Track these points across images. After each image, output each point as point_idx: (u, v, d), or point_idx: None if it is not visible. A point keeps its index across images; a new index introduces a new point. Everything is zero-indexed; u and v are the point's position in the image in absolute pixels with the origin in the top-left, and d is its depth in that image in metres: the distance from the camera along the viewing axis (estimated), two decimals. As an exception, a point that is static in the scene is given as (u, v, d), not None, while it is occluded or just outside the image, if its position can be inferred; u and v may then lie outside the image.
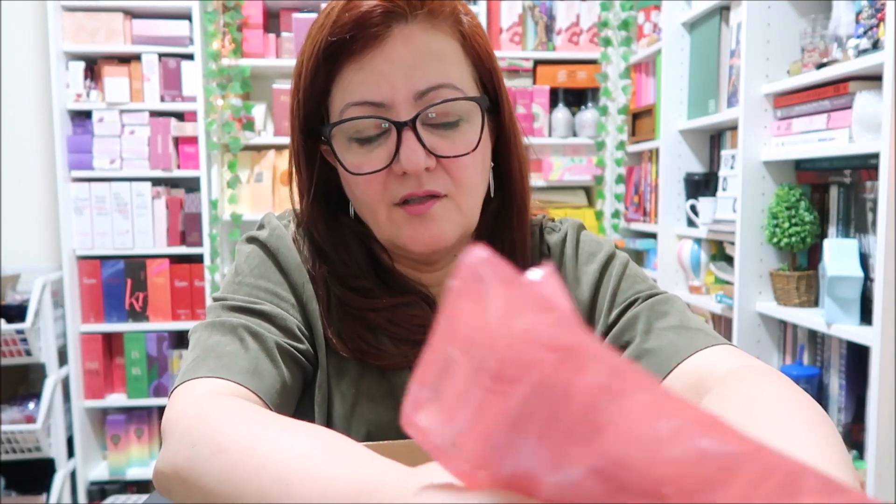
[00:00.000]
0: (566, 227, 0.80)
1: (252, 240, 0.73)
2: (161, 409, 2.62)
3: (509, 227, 0.75)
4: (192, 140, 2.52)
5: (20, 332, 2.27)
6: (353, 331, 0.70)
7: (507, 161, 0.74)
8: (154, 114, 2.51)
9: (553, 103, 2.73)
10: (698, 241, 2.24)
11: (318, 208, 0.73)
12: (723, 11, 2.09)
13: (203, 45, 2.48)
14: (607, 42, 2.65)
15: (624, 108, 2.68)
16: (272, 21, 2.66)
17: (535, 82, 2.71)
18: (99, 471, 2.57)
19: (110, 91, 2.48)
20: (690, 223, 2.28)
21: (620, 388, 0.24)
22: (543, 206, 0.83)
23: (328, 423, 0.71)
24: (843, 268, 1.56)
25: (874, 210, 1.53)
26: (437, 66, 0.64)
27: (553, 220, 0.82)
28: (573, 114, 2.74)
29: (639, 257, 2.67)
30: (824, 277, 1.60)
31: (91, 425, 2.57)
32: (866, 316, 1.55)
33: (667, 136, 2.34)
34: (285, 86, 2.56)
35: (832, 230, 1.72)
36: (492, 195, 0.73)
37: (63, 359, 2.48)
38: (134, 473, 2.56)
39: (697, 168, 2.34)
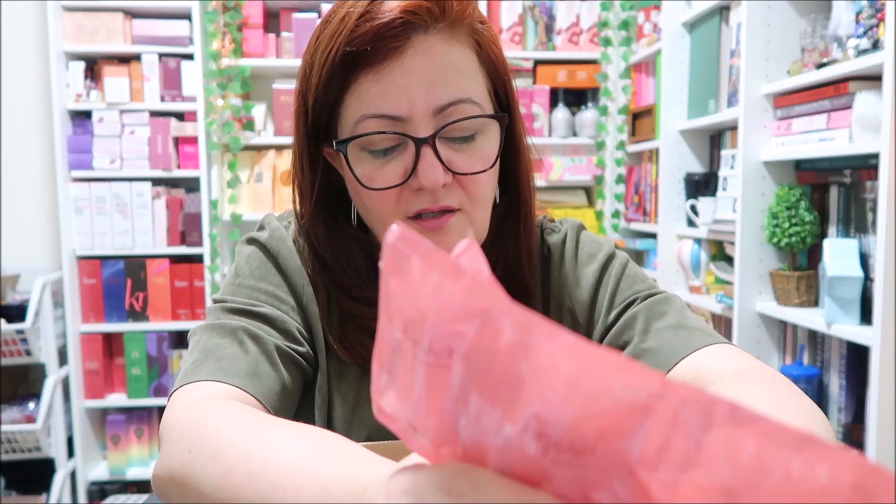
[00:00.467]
0: (566, 228, 0.79)
1: (252, 241, 0.73)
2: (161, 409, 2.62)
3: (515, 232, 0.74)
4: (192, 140, 2.52)
5: (20, 332, 2.27)
6: (354, 336, 0.70)
7: (515, 166, 0.73)
8: (154, 114, 2.51)
9: (553, 103, 2.73)
10: (698, 241, 2.24)
11: (318, 213, 0.72)
12: (723, 11, 2.09)
13: (203, 45, 2.48)
14: (607, 42, 2.65)
15: (624, 108, 2.68)
16: (272, 21, 2.66)
17: (535, 82, 2.71)
18: (99, 471, 2.57)
19: (110, 91, 2.48)
20: (690, 223, 2.28)
21: (530, 342, 0.24)
22: (544, 207, 0.83)
23: (328, 426, 0.71)
24: (843, 268, 1.56)
25: (874, 210, 1.53)
26: (455, 80, 0.63)
27: (553, 221, 0.82)
28: (573, 114, 2.74)
29: (639, 257, 2.67)
30: (824, 277, 1.60)
31: (91, 425, 2.57)
32: (866, 316, 1.55)
33: (667, 136, 2.34)
34: (285, 86, 2.55)
35: (832, 230, 1.72)
36: (497, 201, 0.73)
37: (63, 359, 2.48)
38: (134, 473, 2.56)
39: (697, 168, 2.34)
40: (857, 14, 1.58)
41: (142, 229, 2.51)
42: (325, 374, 0.71)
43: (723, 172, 2.03)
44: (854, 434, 1.64)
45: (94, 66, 2.54)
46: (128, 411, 2.58)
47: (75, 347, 2.48)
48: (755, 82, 1.82)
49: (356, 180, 0.65)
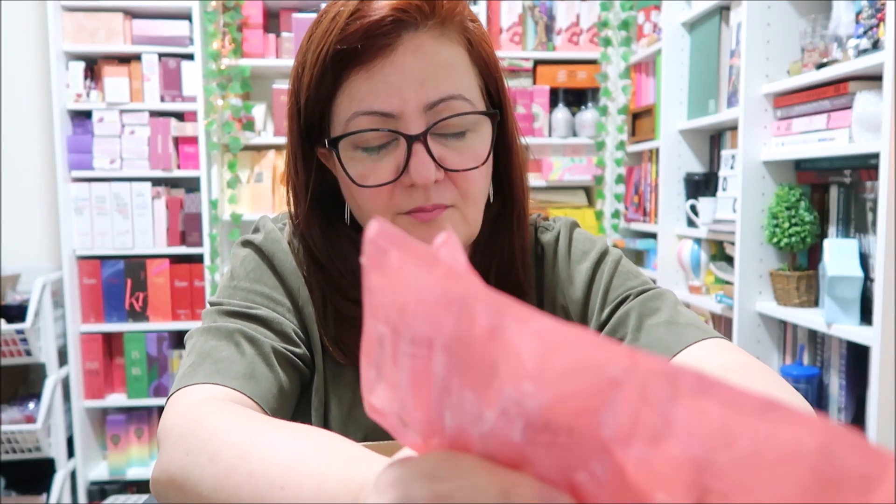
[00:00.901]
0: (559, 226, 0.79)
1: (247, 244, 0.73)
2: (161, 410, 2.62)
3: (509, 231, 0.74)
4: (192, 140, 2.52)
5: (20, 332, 2.27)
6: (350, 338, 0.70)
7: (508, 166, 0.73)
8: (154, 114, 2.51)
9: (553, 103, 2.73)
10: (698, 241, 2.24)
11: (313, 213, 0.72)
12: (723, 11, 2.09)
13: (203, 45, 2.48)
14: (607, 42, 2.65)
15: (624, 108, 2.68)
16: (272, 21, 2.66)
17: (535, 82, 2.71)
18: (99, 471, 2.57)
19: (110, 91, 2.48)
20: (690, 223, 2.28)
21: (502, 326, 0.24)
22: (544, 207, 0.83)
23: (325, 427, 0.71)
24: (843, 268, 1.56)
25: (874, 210, 1.53)
26: (446, 77, 0.63)
27: (546, 220, 0.82)
28: (573, 114, 2.74)
29: (639, 257, 2.67)
30: (824, 277, 1.60)
31: (91, 425, 2.57)
32: (866, 316, 1.55)
33: (667, 136, 2.34)
34: (285, 86, 2.55)
35: (832, 230, 1.72)
36: (491, 200, 0.73)
37: (63, 359, 2.48)
38: (134, 473, 2.56)
39: (697, 168, 2.34)
40: (857, 14, 1.57)
41: (142, 229, 2.51)
42: (322, 375, 0.71)
43: (723, 172, 2.03)
44: (854, 434, 1.64)
45: (94, 66, 2.54)
46: (128, 411, 2.58)
47: (75, 347, 2.48)
48: (755, 82, 1.82)
49: (349, 178, 0.65)
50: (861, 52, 1.51)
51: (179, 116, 2.56)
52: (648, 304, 0.70)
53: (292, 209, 0.74)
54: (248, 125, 2.55)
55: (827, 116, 1.62)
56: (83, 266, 2.50)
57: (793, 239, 1.74)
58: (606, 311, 0.72)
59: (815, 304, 1.78)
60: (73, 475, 2.51)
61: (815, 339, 1.79)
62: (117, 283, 2.51)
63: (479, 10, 2.61)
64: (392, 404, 0.29)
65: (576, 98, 2.79)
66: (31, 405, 2.38)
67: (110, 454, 2.57)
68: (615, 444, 0.24)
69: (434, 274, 0.25)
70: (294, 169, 0.72)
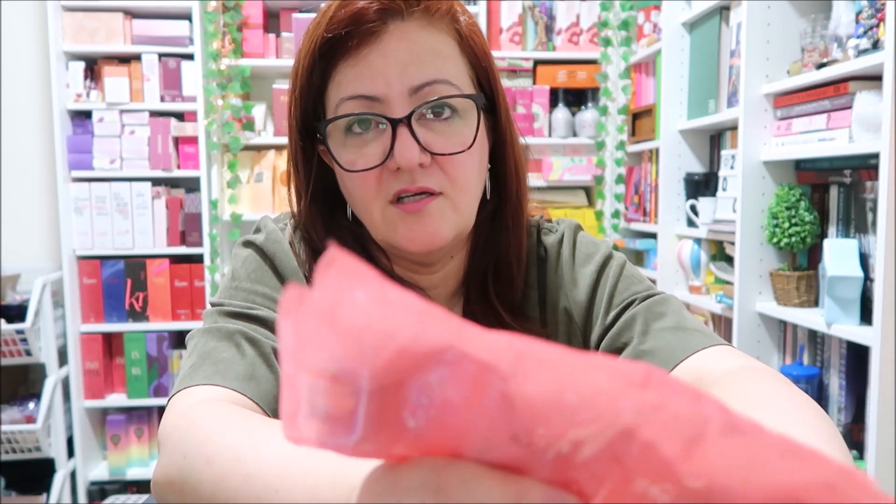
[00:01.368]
0: (563, 229, 0.79)
1: (248, 244, 0.73)
2: (161, 409, 2.62)
3: (504, 229, 0.74)
4: (192, 140, 2.52)
5: (20, 332, 2.27)
6: None
7: (504, 162, 0.73)
8: (154, 114, 2.51)
9: (553, 103, 2.73)
10: (698, 241, 2.24)
11: (315, 209, 0.72)
12: (723, 11, 2.09)
13: (203, 45, 2.48)
14: (607, 42, 2.65)
15: (624, 108, 2.68)
16: (272, 21, 2.66)
17: (535, 82, 2.71)
18: (99, 471, 2.57)
19: (110, 91, 2.48)
20: (690, 223, 2.28)
21: (503, 373, 0.23)
22: (543, 207, 0.83)
23: None
24: (843, 268, 1.56)
25: (874, 210, 1.53)
26: (432, 62, 0.64)
27: (550, 222, 0.82)
28: (573, 114, 2.74)
29: (639, 257, 2.67)
30: (824, 277, 1.60)
31: (91, 425, 2.57)
32: (866, 316, 1.55)
33: (667, 136, 2.34)
34: (285, 86, 2.55)
35: (832, 230, 1.72)
36: (488, 197, 0.73)
37: (63, 359, 2.48)
38: (134, 473, 2.56)
39: (697, 168, 2.34)
40: (857, 14, 1.58)
41: (142, 229, 2.51)
42: None
43: (723, 172, 2.03)
44: (854, 434, 1.64)
45: (94, 66, 2.54)
46: (128, 411, 2.58)
47: (75, 347, 2.48)
48: (755, 82, 1.82)
49: (338, 165, 0.66)
50: (861, 52, 1.51)
51: (179, 116, 2.56)
52: (654, 309, 0.70)
53: (294, 205, 0.74)
54: (248, 125, 2.55)
55: (827, 116, 1.62)
56: (83, 266, 2.50)
57: (793, 239, 1.74)
58: (612, 314, 0.72)
59: (815, 304, 1.78)
60: (73, 475, 2.51)
61: (815, 339, 1.79)
62: (117, 283, 2.51)
63: (479, 11, 2.61)
64: (334, 436, 0.27)
65: (576, 98, 2.79)
66: (31, 405, 2.38)
67: (110, 454, 2.57)
68: (623, 473, 0.23)
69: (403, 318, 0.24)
70: (295, 165, 0.73)
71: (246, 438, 0.46)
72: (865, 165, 1.59)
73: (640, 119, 2.60)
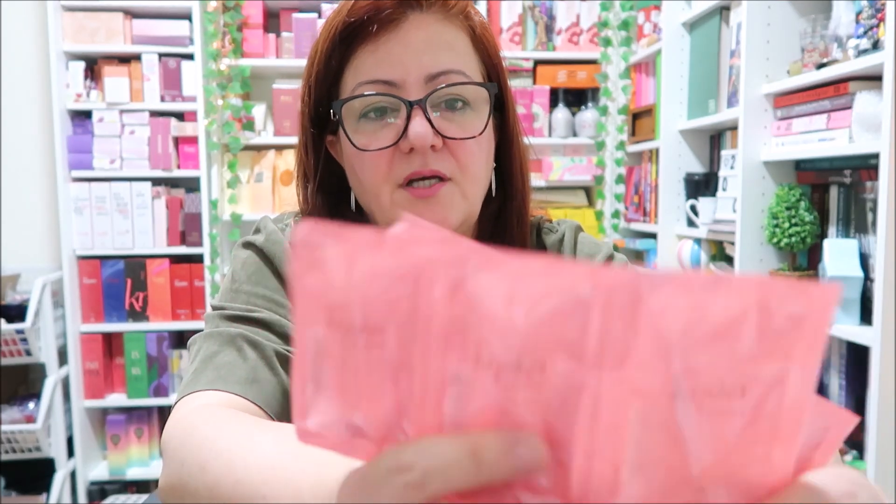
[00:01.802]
0: (564, 229, 0.80)
1: (248, 245, 0.73)
2: (161, 409, 2.63)
3: (509, 227, 0.75)
4: (192, 140, 2.52)
5: (20, 332, 2.27)
6: None
7: (509, 161, 0.74)
8: (154, 114, 2.51)
9: (553, 103, 2.73)
10: (698, 241, 2.24)
11: (321, 199, 0.74)
12: (723, 11, 2.09)
13: (203, 45, 2.48)
14: (607, 42, 2.65)
15: (624, 108, 2.68)
16: (272, 21, 2.66)
17: (535, 82, 2.71)
18: (99, 471, 2.57)
19: (110, 91, 2.48)
20: (690, 223, 2.28)
21: (462, 278, 0.24)
22: (543, 207, 0.84)
23: None
24: (843, 268, 1.56)
25: (874, 210, 1.53)
26: (448, 54, 0.66)
27: (551, 222, 0.82)
28: (573, 114, 2.74)
29: (639, 257, 2.67)
30: (824, 277, 1.60)
31: (91, 425, 2.57)
32: (866, 316, 1.55)
33: (667, 136, 2.34)
34: (285, 86, 2.56)
35: (832, 230, 1.72)
36: (493, 194, 0.73)
37: (63, 359, 2.48)
38: (134, 473, 2.56)
39: (697, 168, 2.34)
40: (857, 14, 1.58)
41: (142, 229, 2.51)
42: None
43: (723, 172, 2.03)
44: (854, 434, 1.64)
45: (94, 66, 2.54)
46: (128, 411, 2.58)
47: (75, 347, 2.48)
48: (755, 82, 1.82)
49: (351, 145, 0.67)
50: (861, 53, 1.51)
51: (179, 116, 2.56)
52: None
53: (300, 192, 0.75)
54: (248, 125, 2.55)
55: (827, 116, 1.62)
56: (83, 266, 2.50)
57: (793, 239, 1.74)
58: None
59: (815, 304, 1.78)
60: (72, 475, 2.51)
61: (815, 339, 1.78)
62: (117, 282, 2.51)
63: (479, 11, 2.61)
64: (337, 412, 0.28)
65: (576, 98, 2.79)
66: (31, 405, 2.38)
67: (110, 454, 2.57)
68: (589, 371, 0.24)
69: (380, 255, 0.25)
70: (305, 150, 0.74)
71: (238, 444, 0.46)
72: (865, 165, 1.59)
73: (640, 119, 2.60)
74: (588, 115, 2.70)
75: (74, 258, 2.49)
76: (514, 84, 2.68)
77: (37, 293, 2.32)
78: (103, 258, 2.51)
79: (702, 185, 2.26)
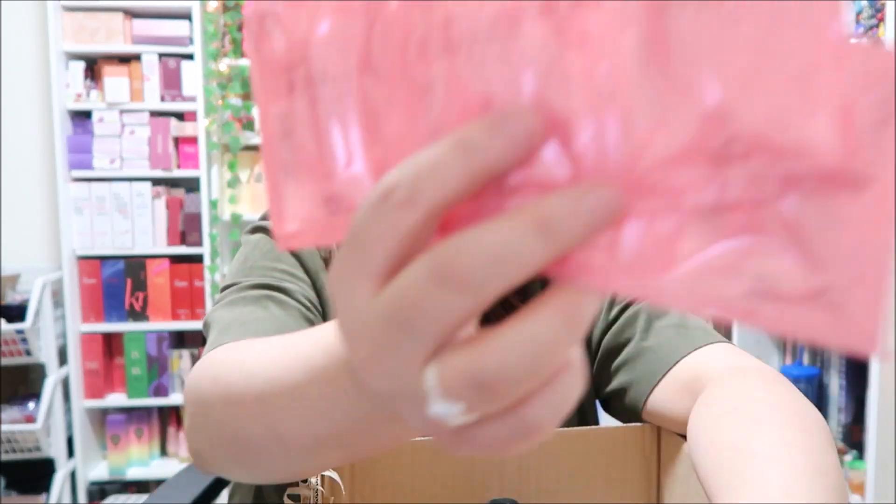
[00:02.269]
0: None
1: (259, 229, 0.72)
2: (161, 409, 2.63)
3: None
4: (192, 140, 2.52)
5: (20, 332, 2.27)
6: None
7: None
8: (154, 114, 2.51)
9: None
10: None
11: None
12: (723, 11, 2.09)
13: (203, 45, 2.48)
14: (607, 42, 2.65)
15: (624, 108, 2.68)
16: (272, 21, 2.66)
17: (535, 82, 2.71)
18: (99, 471, 2.57)
19: (110, 91, 2.48)
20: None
21: None
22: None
23: None
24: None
25: (874, 210, 1.53)
26: None
27: None
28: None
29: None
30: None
31: (91, 425, 2.57)
32: (866, 316, 1.54)
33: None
34: (285, 86, 2.55)
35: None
36: None
37: (63, 359, 2.48)
38: (134, 473, 2.56)
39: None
40: (857, 14, 1.58)
41: (142, 229, 2.51)
42: None
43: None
44: (854, 434, 1.64)
45: (94, 66, 2.54)
46: (128, 411, 2.58)
47: (75, 347, 2.48)
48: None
49: None
50: (861, 53, 1.51)
51: (179, 116, 2.56)
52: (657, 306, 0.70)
53: None
54: (249, 125, 2.55)
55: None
56: (83, 266, 2.50)
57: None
58: (615, 310, 0.72)
59: (815, 304, 1.78)
60: (72, 475, 2.51)
61: (815, 339, 1.79)
62: (117, 282, 2.51)
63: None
64: (313, 190, 0.24)
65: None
66: (31, 405, 2.38)
67: (110, 454, 2.57)
68: (569, 13, 0.20)
69: None
70: None
71: (247, 349, 0.43)
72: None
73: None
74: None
75: (74, 258, 2.49)
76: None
77: (37, 293, 2.32)
78: (103, 258, 2.51)
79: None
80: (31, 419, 2.35)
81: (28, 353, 2.31)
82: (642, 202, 0.20)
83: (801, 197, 0.18)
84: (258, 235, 0.71)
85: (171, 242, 2.53)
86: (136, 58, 2.49)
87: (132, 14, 2.51)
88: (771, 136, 0.18)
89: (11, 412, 2.36)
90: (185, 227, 2.54)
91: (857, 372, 1.64)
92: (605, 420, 0.77)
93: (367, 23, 0.22)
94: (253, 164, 2.62)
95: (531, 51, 0.20)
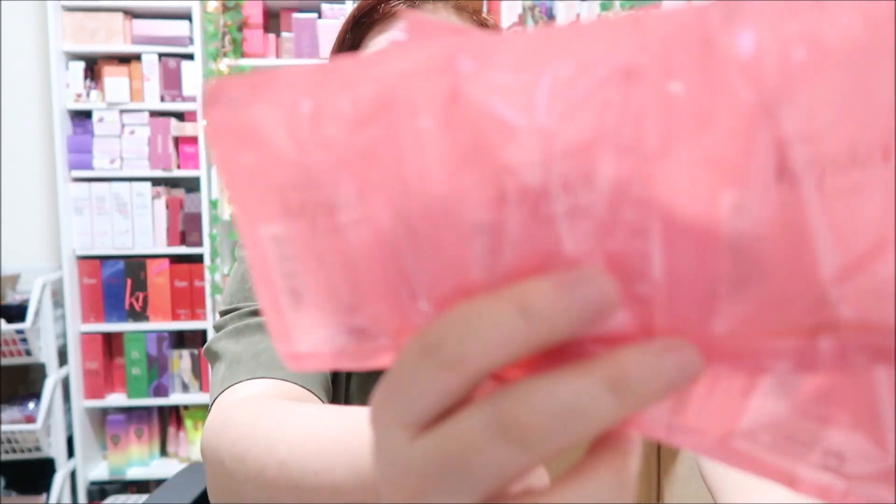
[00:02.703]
0: None
1: None
2: (161, 409, 2.63)
3: None
4: (192, 140, 2.52)
5: (20, 332, 2.27)
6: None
7: None
8: (154, 114, 2.51)
9: (553, 103, 2.73)
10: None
11: None
12: (723, 11, 2.09)
13: (203, 45, 2.48)
14: (607, 42, 2.65)
15: (624, 108, 2.68)
16: (272, 21, 2.66)
17: (535, 82, 2.71)
18: (99, 471, 2.57)
19: (110, 91, 2.48)
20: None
21: (453, 87, 0.18)
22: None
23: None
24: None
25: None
26: None
27: None
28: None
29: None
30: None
31: (91, 425, 2.57)
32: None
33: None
34: (285, 86, 2.55)
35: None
36: None
37: (63, 359, 2.48)
38: (134, 473, 2.56)
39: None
40: None
41: (142, 229, 2.51)
42: (346, 376, 0.70)
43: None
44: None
45: (94, 66, 2.54)
46: (128, 411, 2.58)
47: (75, 347, 2.48)
48: (755, 82, 1.82)
49: None
50: (861, 52, 1.51)
51: (179, 116, 2.56)
52: None
53: None
54: (248, 125, 2.55)
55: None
56: (83, 266, 2.50)
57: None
58: None
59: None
60: (73, 475, 2.51)
61: (816, 339, 1.78)
62: (117, 282, 2.51)
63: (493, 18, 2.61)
64: (334, 322, 0.21)
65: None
66: (31, 405, 2.38)
67: (110, 454, 2.57)
68: (650, 161, 0.17)
69: (329, 95, 0.18)
70: None
71: (275, 425, 0.42)
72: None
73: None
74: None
75: (74, 258, 2.49)
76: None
77: (37, 293, 2.32)
78: (103, 258, 2.51)
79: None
80: (31, 419, 2.35)
81: (28, 353, 2.31)
82: (722, 363, 0.18)
83: (887, 370, 0.17)
84: None
85: (171, 242, 2.53)
86: (136, 58, 2.50)
87: (132, 14, 2.51)
88: (874, 317, 0.17)
89: (11, 412, 2.36)
90: (186, 227, 2.54)
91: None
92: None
93: (387, 135, 0.19)
94: (253, 164, 2.62)
95: (605, 203, 0.18)
